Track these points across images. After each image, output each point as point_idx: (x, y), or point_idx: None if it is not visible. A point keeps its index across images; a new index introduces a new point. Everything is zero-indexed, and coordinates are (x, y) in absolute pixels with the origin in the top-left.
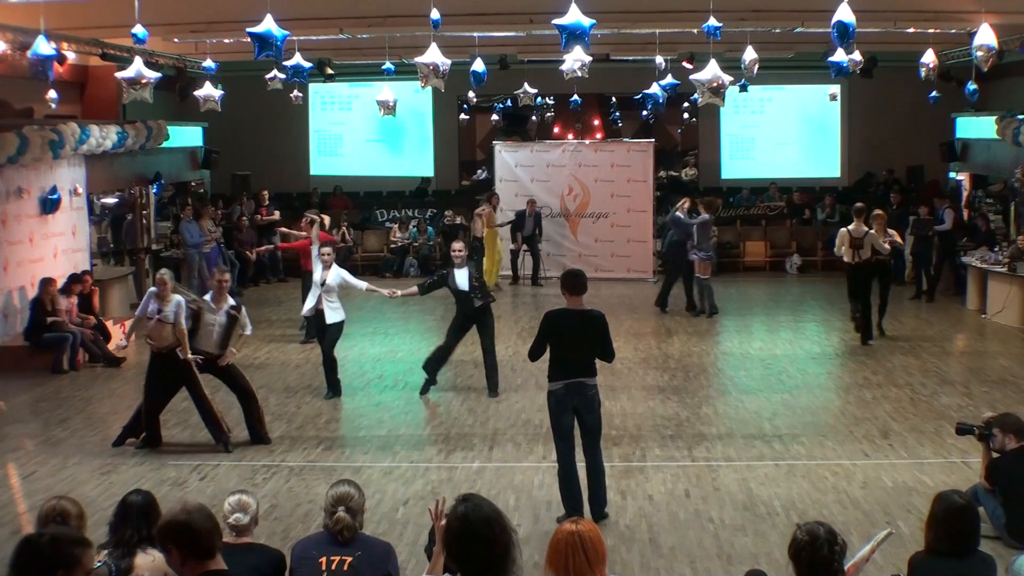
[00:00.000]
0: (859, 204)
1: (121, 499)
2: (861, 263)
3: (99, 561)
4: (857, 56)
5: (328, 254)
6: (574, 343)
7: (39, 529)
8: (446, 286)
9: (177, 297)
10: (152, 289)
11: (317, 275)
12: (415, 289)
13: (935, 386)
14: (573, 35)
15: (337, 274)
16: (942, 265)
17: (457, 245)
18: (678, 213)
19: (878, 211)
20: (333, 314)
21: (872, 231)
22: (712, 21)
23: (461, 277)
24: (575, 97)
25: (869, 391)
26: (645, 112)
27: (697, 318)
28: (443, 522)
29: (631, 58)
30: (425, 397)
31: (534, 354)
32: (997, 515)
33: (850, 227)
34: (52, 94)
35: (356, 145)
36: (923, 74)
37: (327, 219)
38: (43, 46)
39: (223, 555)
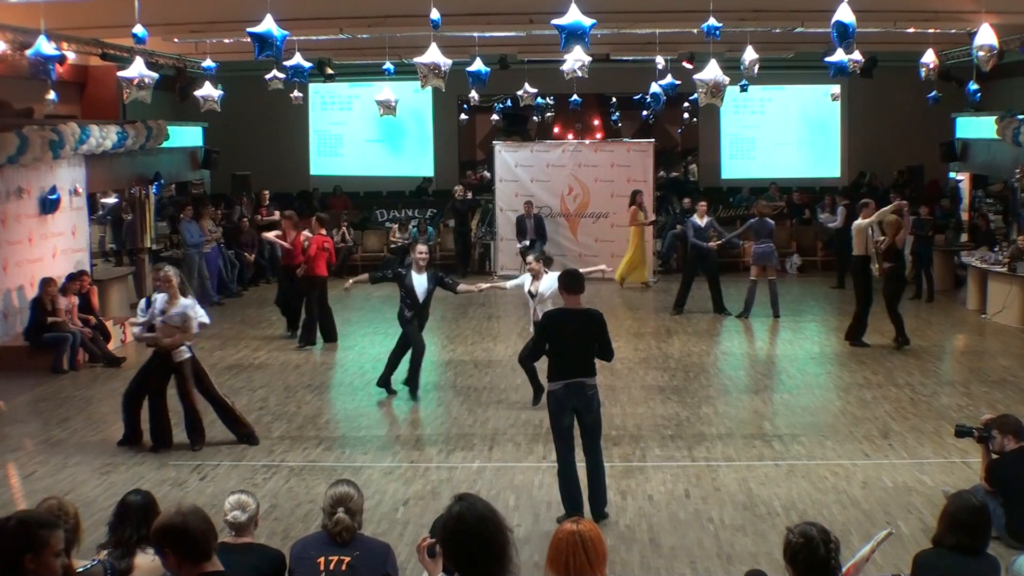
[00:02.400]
0: (863, 200)
1: (121, 499)
2: (855, 257)
3: (95, 559)
4: (857, 56)
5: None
6: (573, 343)
7: None
8: (400, 285)
9: (185, 300)
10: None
11: (529, 285)
12: (366, 276)
13: (935, 386)
14: (573, 35)
15: (550, 282)
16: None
17: (421, 248)
18: (695, 218)
19: (865, 199)
20: None
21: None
22: (712, 21)
23: (419, 284)
24: (575, 97)
25: (869, 391)
26: (645, 112)
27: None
28: (430, 541)
29: (631, 58)
30: (421, 398)
31: (534, 354)
32: (997, 516)
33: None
34: (52, 94)
35: (356, 145)
36: (923, 74)
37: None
38: (44, 46)
39: (223, 555)
